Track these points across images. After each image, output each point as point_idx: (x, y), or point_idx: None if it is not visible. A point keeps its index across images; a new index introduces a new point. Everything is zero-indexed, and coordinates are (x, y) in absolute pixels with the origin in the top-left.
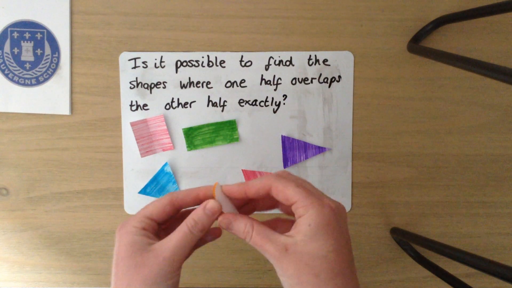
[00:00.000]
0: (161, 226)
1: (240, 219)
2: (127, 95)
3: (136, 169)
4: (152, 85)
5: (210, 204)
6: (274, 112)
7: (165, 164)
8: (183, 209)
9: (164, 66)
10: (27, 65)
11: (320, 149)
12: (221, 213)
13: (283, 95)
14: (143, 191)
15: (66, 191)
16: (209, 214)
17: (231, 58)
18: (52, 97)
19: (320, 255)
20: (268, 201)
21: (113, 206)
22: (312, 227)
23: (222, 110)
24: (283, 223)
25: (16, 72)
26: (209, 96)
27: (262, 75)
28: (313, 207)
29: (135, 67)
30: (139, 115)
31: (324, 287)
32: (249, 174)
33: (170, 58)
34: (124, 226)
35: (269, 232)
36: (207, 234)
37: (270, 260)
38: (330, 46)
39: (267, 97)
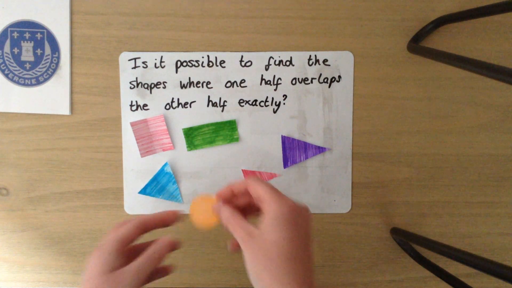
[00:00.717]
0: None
1: (224, 205)
2: (127, 95)
3: (136, 169)
4: (152, 85)
5: (162, 239)
6: (274, 112)
7: (165, 164)
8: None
9: (164, 66)
10: (27, 65)
11: (320, 149)
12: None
13: (283, 95)
14: (143, 191)
15: (66, 191)
16: (162, 245)
17: (231, 58)
18: (52, 97)
19: (276, 243)
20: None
21: (113, 206)
22: (272, 220)
23: (222, 110)
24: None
25: (16, 72)
26: (209, 96)
27: (262, 75)
28: (275, 203)
29: (135, 67)
30: (139, 115)
31: (276, 269)
32: (249, 174)
33: (170, 58)
34: (96, 249)
35: (240, 218)
36: (158, 272)
37: (239, 242)
38: (330, 46)
39: (267, 97)
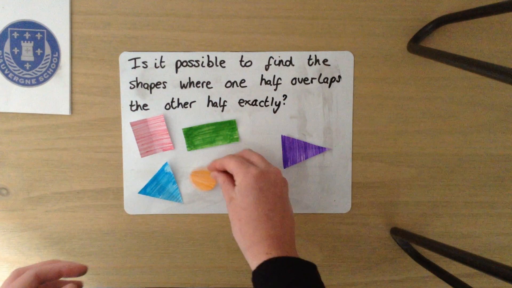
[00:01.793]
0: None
1: (219, 173)
2: (127, 95)
3: (136, 169)
4: (152, 85)
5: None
6: (274, 112)
7: (165, 164)
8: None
9: (164, 66)
10: (27, 65)
11: (320, 149)
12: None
13: (283, 95)
14: (143, 191)
15: (66, 191)
16: None
17: (231, 58)
18: (52, 97)
19: (243, 206)
20: None
21: (113, 206)
22: (239, 188)
23: (222, 110)
24: None
25: (16, 72)
26: (209, 96)
27: (262, 75)
28: (241, 174)
29: (135, 67)
30: (139, 115)
31: (244, 227)
32: None
33: (170, 58)
34: None
35: (229, 186)
36: None
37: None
38: (330, 46)
39: (267, 97)
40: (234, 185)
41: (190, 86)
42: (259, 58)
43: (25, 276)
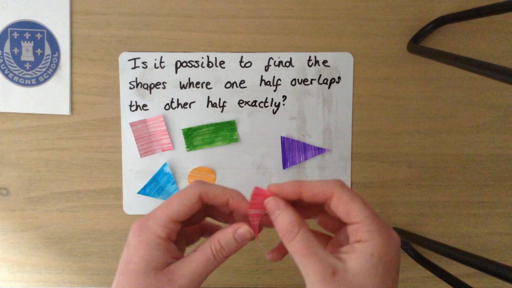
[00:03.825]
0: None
1: (290, 211)
2: (126, 95)
3: (136, 169)
4: (152, 86)
5: (242, 230)
6: (274, 113)
7: (165, 165)
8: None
9: (163, 67)
10: (27, 65)
11: (319, 150)
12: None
13: (283, 96)
14: (143, 191)
15: (66, 191)
16: (239, 241)
17: (231, 59)
18: (52, 97)
19: None
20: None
21: (113, 206)
22: (375, 259)
23: (222, 111)
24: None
25: (16, 72)
26: (208, 97)
27: (261, 76)
28: (380, 236)
29: (134, 67)
30: (139, 115)
31: None
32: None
33: (170, 58)
34: (144, 229)
35: (317, 245)
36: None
37: (306, 279)
38: (330, 46)
39: (266, 98)
40: (340, 245)
41: (189, 87)
42: (258, 59)
43: (187, 193)
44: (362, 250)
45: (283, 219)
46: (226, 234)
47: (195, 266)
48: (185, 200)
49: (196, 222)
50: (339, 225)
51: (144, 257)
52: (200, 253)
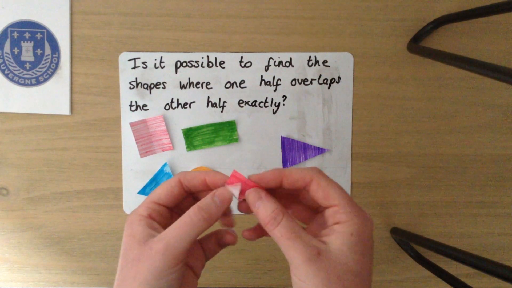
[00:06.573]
0: (174, 211)
1: (271, 200)
2: (126, 95)
3: (135, 170)
4: (152, 86)
5: (219, 190)
6: (274, 113)
7: (165, 165)
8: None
9: (164, 67)
10: (27, 65)
11: (319, 150)
12: (243, 201)
13: (283, 96)
14: (143, 191)
15: (66, 191)
16: (217, 202)
17: (231, 59)
18: (52, 97)
19: (355, 270)
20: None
21: (113, 206)
22: (354, 238)
23: (222, 111)
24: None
25: (16, 72)
26: (208, 97)
27: (261, 76)
28: (357, 217)
29: (134, 67)
30: (139, 115)
31: None
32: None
33: (170, 58)
34: (130, 215)
35: (300, 229)
36: (220, 237)
37: (292, 262)
38: (330, 46)
39: (266, 98)
40: (314, 234)
41: (189, 87)
42: (258, 59)
43: (169, 180)
44: (342, 230)
45: (266, 208)
46: (206, 198)
47: (173, 231)
48: (165, 184)
49: (184, 208)
50: (311, 215)
51: (130, 234)
52: (179, 220)
